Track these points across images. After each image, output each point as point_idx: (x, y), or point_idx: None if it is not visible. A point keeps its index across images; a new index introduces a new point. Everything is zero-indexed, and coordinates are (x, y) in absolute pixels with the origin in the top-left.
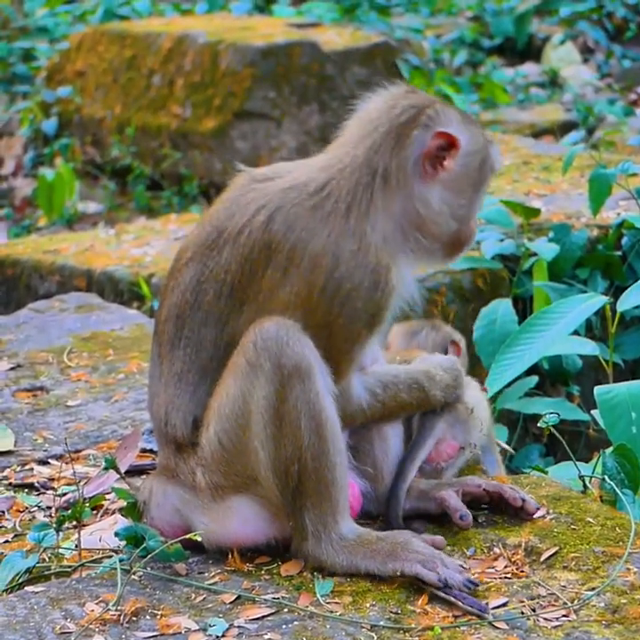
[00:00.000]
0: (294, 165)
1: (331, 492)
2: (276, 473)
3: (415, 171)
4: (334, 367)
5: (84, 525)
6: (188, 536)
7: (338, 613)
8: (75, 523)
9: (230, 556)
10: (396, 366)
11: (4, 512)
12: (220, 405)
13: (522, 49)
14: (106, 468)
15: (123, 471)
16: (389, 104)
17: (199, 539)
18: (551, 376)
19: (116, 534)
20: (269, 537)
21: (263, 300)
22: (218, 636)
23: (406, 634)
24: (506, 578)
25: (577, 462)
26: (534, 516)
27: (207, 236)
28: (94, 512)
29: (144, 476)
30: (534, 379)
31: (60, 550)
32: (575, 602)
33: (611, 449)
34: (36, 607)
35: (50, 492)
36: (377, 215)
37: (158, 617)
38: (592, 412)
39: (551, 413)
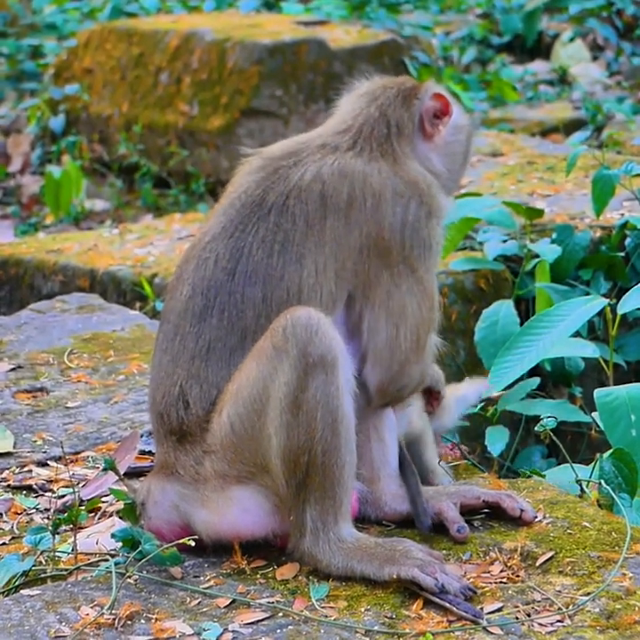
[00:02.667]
0: (306, 136)
1: (336, 490)
2: (285, 461)
3: (418, 127)
4: (426, 308)
5: (82, 528)
6: (183, 540)
7: (332, 618)
8: (71, 526)
9: (227, 559)
10: None
11: (1, 514)
12: (238, 388)
13: (531, 46)
14: (105, 470)
15: (122, 473)
16: (389, 79)
17: (193, 543)
18: (553, 377)
19: (113, 536)
20: (268, 531)
21: (330, 251)
22: None
23: (400, 639)
24: (501, 582)
25: (577, 465)
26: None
27: (240, 210)
28: (92, 514)
29: (142, 479)
30: (536, 380)
31: (57, 553)
32: (570, 607)
33: (608, 453)
34: (31, 610)
35: (48, 494)
36: (406, 159)
37: (153, 621)
38: (593, 414)
39: (549, 417)
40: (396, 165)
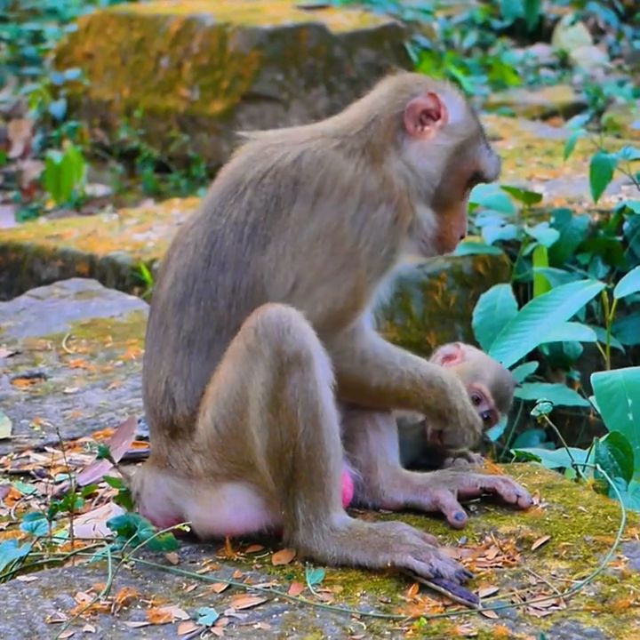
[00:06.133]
0: (305, 127)
1: (323, 482)
2: (270, 460)
3: (400, 122)
4: (354, 300)
5: (79, 514)
6: (178, 526)
7: (328, 603)
8: (68, 511)
9: (223, 545)
10: (425, 360)
11: None
12: (217, 390)
13: (532, 30)
14: (100, 457)
15: (118, 459)
16: (413, 76)
17: (188, 529)
18: (552, 362)
19: (108, 524)
20: (262, 525)
21: (291, 235)
22: (208, 626)
23: (396, 623)
24: (497, 567)
25: (574, 449)
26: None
27: (222, 190)
28: (89, 500)
29: (139, 464)
30: (534, 364)
31: (54, 539)
32: (565, 591)
33: (604, 437)
34: (27, 597)
35: (45, 479)
36: (390, 157)
37: (149, 606)
38: (590, 398)
39: (544, 402)
40: (374, 163)
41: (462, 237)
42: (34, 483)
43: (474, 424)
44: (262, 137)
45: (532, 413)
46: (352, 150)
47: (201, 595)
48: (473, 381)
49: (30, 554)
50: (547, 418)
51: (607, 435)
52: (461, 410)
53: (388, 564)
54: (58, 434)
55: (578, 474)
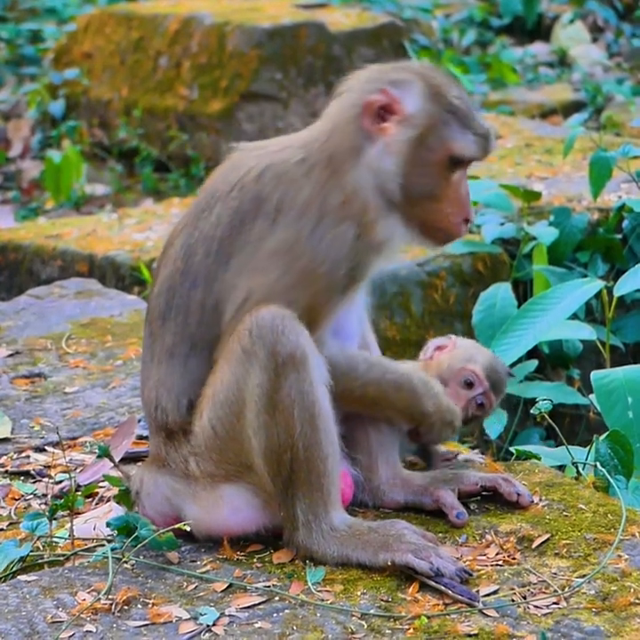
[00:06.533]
0: (281, 138)
1: (322, 482)
2: (267, 461)
3: (359, 124)
4: (310, 318)
5: (79, 513)
6: (177, 526)
7: (329, 602)
8: (68, 511)
9: (222, 545)
10: (396, 363)
11: None
12: (214, 392)
13: (531, 28)
14: (99, 456)
15: (118, 458)
16: (376, 68)
17: (188, 528)
18: (551, 360)
19: (108, 525)
20: (259, 526)
21: (251, 251)
22: (208, 625)
23: (396, 622)
24: (497, 565)
25: (574, 447)
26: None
27: (199, 201)
28: (89, 500)
29: (139, 463)
30: (534, 363)
31: (54, 539)
32: (566, 589)
33: (605, 435)
34: (28, 596)
35: (46, 479)
36: (355, 167)
37: (149, 606)
38: (590, 396)
39: (544, 400)
40: (336, 176)
41: (467, 222)
42: (34, 482)
43: (452, 420)
44: (248, 148)
45: (531, 411)
46: (313, 165)
47: (201, 594)
48: (465, 364)
49: (31, 553)
50: (546, 416)
51: (607, 433)
52: (434, 411)
53: (389, 563)
54: (58, 433)
55: (578, 472)
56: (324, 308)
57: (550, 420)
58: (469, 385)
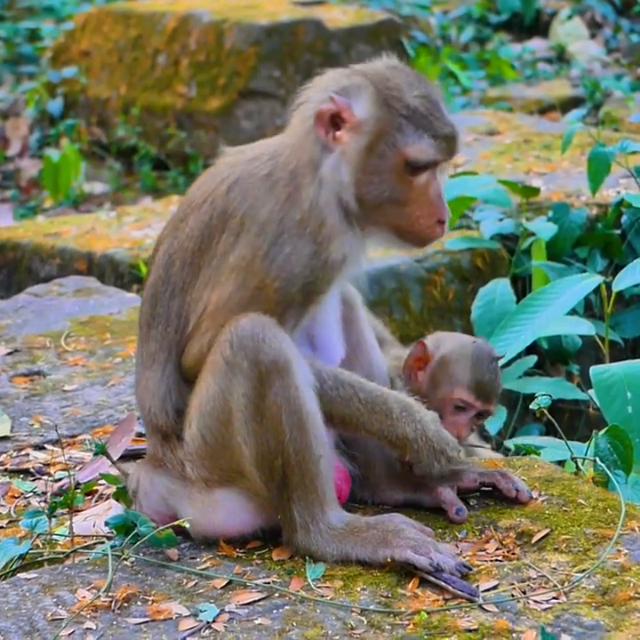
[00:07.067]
0: (259, 144)
1: (316, 483)
2: (259, 468)
3: (314, 134)
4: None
5: (79, 511)
6: (176, 522)
7: (328, 598)
8: (68, 509)
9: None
10: (375, 385)
11: None
12: (200, 403)
13: (529, 24)
14: (96, 454)
15: (118, 456)
16: (334, 73)
17: (187, 525)
18: (551, 355)
19: (106, 523)
20: (255, 528)
21: (215, 265)
22: (208, 622)
23: (396, 617)
24: (497, 560)
25: (574, 442)
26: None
27: (180, 209)
28: (89, 497)
29: (139, 461)
30: (533, 358)
31: (54, 536)
32: (565, 584)
33: (604, 430)
34: (27, 594)
35: (45, 477)
36: (312, 182)
37: (149, 603)
38: (589, 391)
39: (543, 395)
40: (296, 193)
41: (442, 222)
42: (33, 480)
43: (442, 449)
44: (230, 153)
45: (531, 407)
46: (276, 181)
47: (201, 590)
48: (450, 391)
49: (30, 551)
50: (546, 411)
51: (606, 428)
52: (416, 437)
53: (389, 560)
54: (57, 431)
55: (577, 467)
56: (279, 322)
57: (549, 416)
58: (462, 408)
